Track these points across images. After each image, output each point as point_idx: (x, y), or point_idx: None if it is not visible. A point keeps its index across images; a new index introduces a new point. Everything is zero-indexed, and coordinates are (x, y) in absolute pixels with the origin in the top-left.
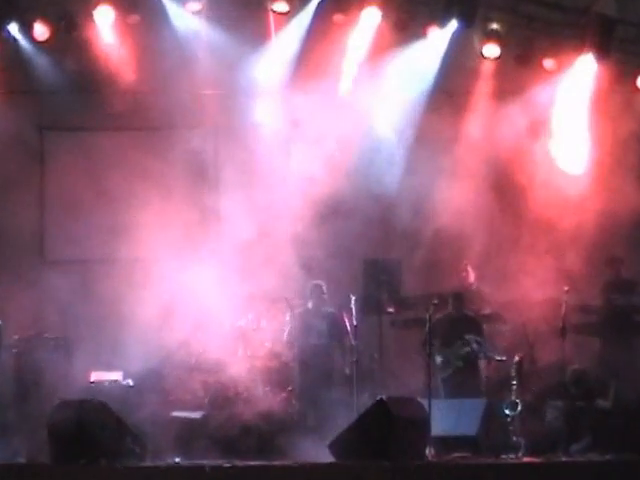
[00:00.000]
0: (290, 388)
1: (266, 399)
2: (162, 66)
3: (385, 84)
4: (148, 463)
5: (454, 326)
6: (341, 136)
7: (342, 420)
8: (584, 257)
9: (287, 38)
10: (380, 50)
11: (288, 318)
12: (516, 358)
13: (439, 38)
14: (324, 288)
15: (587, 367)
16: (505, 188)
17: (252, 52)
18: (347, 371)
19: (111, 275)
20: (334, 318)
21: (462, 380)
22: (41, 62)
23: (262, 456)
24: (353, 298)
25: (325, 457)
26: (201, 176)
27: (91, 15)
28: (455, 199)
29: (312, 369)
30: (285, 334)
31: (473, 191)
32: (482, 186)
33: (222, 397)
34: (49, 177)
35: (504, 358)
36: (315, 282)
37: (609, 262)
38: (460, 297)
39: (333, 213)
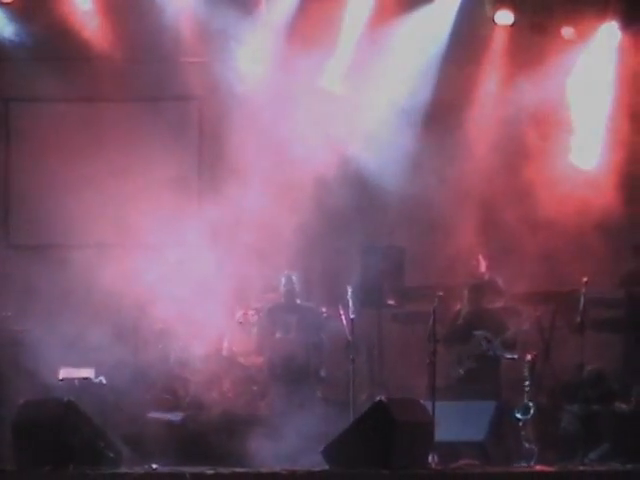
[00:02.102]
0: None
1: (253, 399)
2: (141, 31)
3: (387, 56)
4: (122, 469)
5: (471, 322)
6: (337, 114)
7: (310, 422)
8: (605, 246)
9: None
10: (382, 17)
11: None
12: (529, 357)
13: (448, 2)
14: (294, 279)
15: (607, 367)
16: (519, 170)
17: (240, 16)
18: (322, 373)
19: (85, 262)
20: (307, 311)
21: (477, 382)
22: (6, 26)
23: (246, 462)
24: (350, 289)
25: (309, 463)
26: (184, 152)
27: None
28: (464, 182)
29: (279, 366)
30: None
31: (484, 174)
32: (494, 168)
33: (204, 397)
34: (15, 154)
35: (515, 356)
36: (285, 273)
37: (635, 250)
38: (479, 289)
39: (328, 196)
